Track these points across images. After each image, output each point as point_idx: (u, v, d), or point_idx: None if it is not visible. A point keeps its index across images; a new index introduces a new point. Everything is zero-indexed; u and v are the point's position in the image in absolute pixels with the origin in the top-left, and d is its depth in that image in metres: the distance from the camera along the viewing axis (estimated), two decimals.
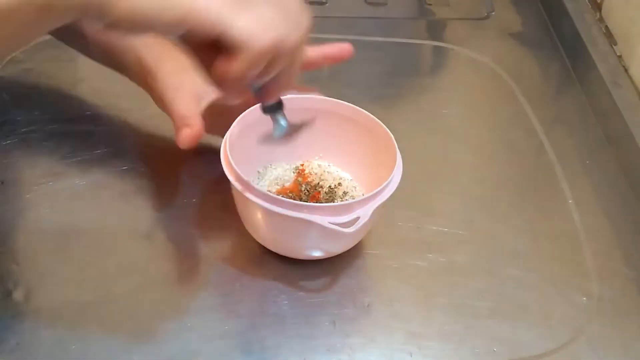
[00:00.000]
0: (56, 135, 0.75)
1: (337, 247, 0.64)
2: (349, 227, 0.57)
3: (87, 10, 0.43)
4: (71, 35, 0.75)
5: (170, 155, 0.71)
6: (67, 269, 0.63)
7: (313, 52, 0.65)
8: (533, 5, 1.05)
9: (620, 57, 0.90)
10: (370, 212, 0.58)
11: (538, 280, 0.67)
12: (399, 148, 0.64)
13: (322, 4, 1.01)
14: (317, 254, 0.64)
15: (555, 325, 0.63)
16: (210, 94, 0.64)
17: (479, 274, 0.67)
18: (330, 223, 0.57)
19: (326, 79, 0.91)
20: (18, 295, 0.61)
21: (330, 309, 0.63)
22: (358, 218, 0.58)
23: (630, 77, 0.86)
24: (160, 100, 0.68)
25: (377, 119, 0.66)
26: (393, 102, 0.88)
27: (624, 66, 0.88)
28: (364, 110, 0.67)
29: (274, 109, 0.55)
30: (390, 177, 0.61)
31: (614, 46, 0.91)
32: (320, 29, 0.98)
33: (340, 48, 0.66)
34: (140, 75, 0.69)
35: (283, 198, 0.57)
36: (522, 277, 0.67)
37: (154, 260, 0.65)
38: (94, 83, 0.79)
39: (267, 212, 0.58)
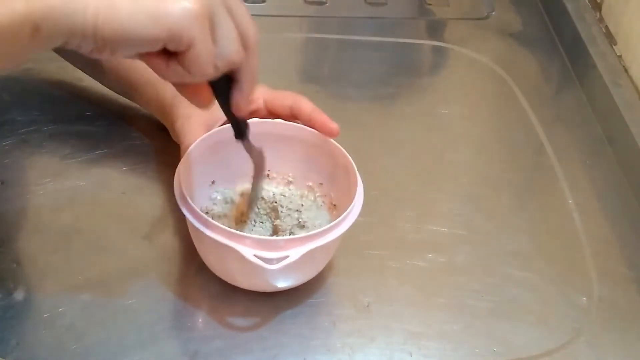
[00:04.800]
0: (56, 135, 0.75)
1: (262, 284, 0.61)
2: (275, 264, 0.54)
3: (73, 34, 0.44)
4: (90, 66, 0.77)
5: (170, 155, 0.70)
6: (67, 269, 0.63)
7: (307, 107, 0.65)
8: (533, 5, 1.05)
9: (620, 57, 0.90)
10: (300, 254, 0.55)
11: (538, 280, 0.67)
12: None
13: (322, 4, 1.01)
14: (243, 285, 0.62)
15: (555, 325, 0.63)
16: (219, 121, 0.64)
17: (479, 274, 0.67)
18: (254, 256, 0.54)
19: (326, 79, 0.91)
20: (18, 295, 0.61)
21: (330, 309, 0.63)
22: (287, 256, 0.55)
23: (630, 77, 0.86)
24: (173, 130, 0.69)
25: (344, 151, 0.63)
26: (393, 102, 0.88)
27: (624, 66, 0.88)
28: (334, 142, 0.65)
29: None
30: (338, 218, 0.57)
31: (614, 46, 0.91)
32: (320, 29, 0.99)
33: (329, 128, 0.64)
34: (160, 110, 0.71)
35: (214, 222, 0.56)
36: (522, 277, 0.67)
37: (153, 260, 0.65)
38: (94, 83, 0.79)
39: (198, 233, 0.57)
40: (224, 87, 0.51)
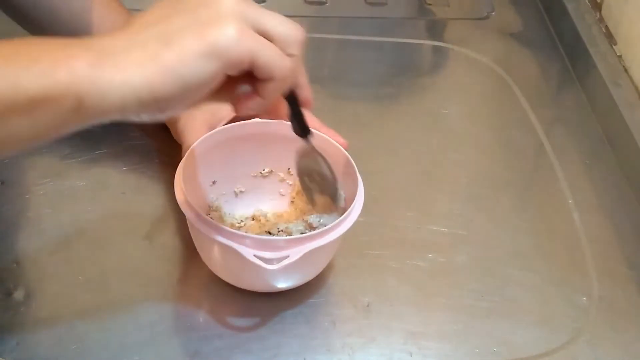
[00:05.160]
0: None
1: (262, 284, 0.61)
2: (275, 264, 0.54)
3: (127, 104, 0.42)
4: None
5: (170, 155, 0.71)
6: (67, 269, 0.63)
7: (313, 122, 0.65)
8: (533, 5, 1.05)
9: (620, 57, 0.90)
10: (300, 255, 0.55)
11: (538, 280, 0.67)
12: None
13: (322, 4, 1.01)
14: (243, 285, 0.62)
15: (555, 325, 0.63)
16: (222, 121, 0.64)
17: (478, 274, 0.67)
18: (254, 256, 0.54)
19: (327, 79, 0.91)
20: (18, 295, 0.61)
21: (330, 309, 0.63)
22: (286, 257, 0.55)
23: (630, 77, 0.86)
24: (174, 130, 0.69)
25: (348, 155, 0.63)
26: (393, 102, 0.88)
27: (624, 66, 0.88)
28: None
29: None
30: (337, 220, 0.57)
31: (614, 46, 0.91)
32: (320, 29, 0.99)
33: (338, 142, 0.64)
34: None
35: (214, 222, 0.56)
36: (522, 277, 0.67)
37: (153, 260, 0.65)
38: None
39: (198, 233, 0.57)
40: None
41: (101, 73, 0.41)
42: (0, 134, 0.42)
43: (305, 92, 0.53)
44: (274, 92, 0.47)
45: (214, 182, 0.66)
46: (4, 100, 0.40)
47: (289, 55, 0.47)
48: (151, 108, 0.43)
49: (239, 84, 0.47)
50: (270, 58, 0.45)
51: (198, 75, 0.43)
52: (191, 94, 0.44)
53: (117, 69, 0.42)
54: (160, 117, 0.44)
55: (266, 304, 0.62)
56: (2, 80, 0.41)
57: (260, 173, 0.67)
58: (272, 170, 0.67)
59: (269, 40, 0.45)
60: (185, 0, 0.45)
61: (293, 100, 0.53)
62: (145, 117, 0.44)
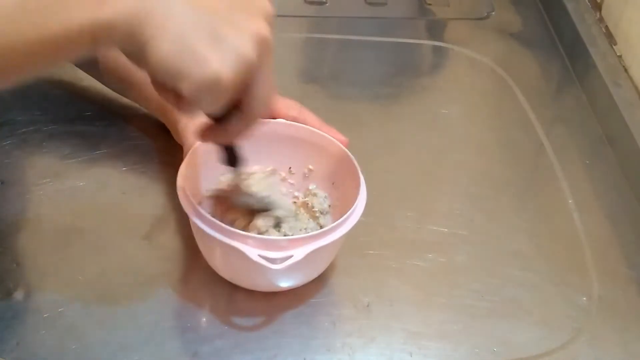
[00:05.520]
0: (56, 135, 0.75)
1: (265, 283, 0.61)
2: (279, 264, 0.54)
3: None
4: (90, 66, 0.77)
5: (170, 155, 0.71)
6: (67, 269, 0.63)
7: (313, 121, 0.65)
8: (533, 5, 1.05)
9: (620, 57, 0.90)
10: (304, 254, 0.55)
11: (538, 280, 0.67)
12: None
13: (322, 4, 1.01)
14: (246, 285, 0.62)
15: (555, 325, 0.63)
16: None
17: (479, 274, 0.67)
18: (259, 256, 0.54)
19: (326, 78, 0.91)
20: (18, 295, 0.61)
21: (330, 309, 0.63)
22: (291, 256, 0.55)
23: (630, 77, 0.86)
24: (175, 131, 0.69)
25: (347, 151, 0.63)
26: (393, 102, 0.88)
27: (624, 66, 0.88)
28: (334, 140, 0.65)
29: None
30: (340, 219, 0.58)
31: (614, 46, 0.91)
32: (320, 29, 0.99)
33: (339, 140, 0.64)
34: (161, 110, 0.71)
35: (218, 221, 0.55)
36: (522, 277, 0.67)
37: (153, 260, 0.65)
38: (94, 83, 0.79)
39: (202, 233, 0.57)
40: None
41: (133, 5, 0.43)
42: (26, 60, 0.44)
43: (241, 126, 0.51)
44: (242, 126, 0.49)
45: (215, 183, 0.66)
46: (60, 34, 0.43)
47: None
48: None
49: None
50: (263, 97, 0.47)
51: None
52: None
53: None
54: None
55: (266, 304, 0.62)
56: (55, 16, 0.42)
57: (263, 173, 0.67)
58: (274, 170, 0.67)
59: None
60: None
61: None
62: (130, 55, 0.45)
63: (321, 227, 0.64)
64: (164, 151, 0.73)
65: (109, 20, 0.43)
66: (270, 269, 0.54)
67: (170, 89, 0.46)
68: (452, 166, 0.79)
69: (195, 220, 0.56)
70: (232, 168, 0.57)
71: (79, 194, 0.70)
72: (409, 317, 0.63)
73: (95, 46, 0.44)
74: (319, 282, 0.64)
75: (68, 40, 0.43)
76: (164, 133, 0.73)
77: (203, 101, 0.46)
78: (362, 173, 0.61)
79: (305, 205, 0.66)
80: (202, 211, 0.56)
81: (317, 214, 0.65)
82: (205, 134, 0.52)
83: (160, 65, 0.44)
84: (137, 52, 0.44)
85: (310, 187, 0.67)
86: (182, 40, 0.43)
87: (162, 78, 0.45)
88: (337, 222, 0.57)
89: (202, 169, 0.63)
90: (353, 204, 0.58)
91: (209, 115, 0.51)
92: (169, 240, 0.66)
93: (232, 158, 0.56)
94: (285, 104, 0.66)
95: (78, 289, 0.62)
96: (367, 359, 0.60)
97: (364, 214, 0.59)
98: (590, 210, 0.75)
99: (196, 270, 0.63)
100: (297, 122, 0.65)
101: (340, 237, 0.57)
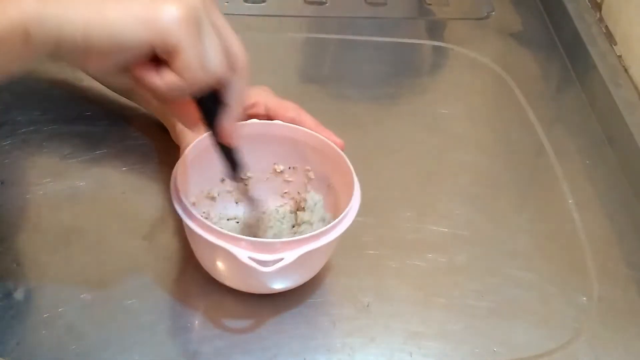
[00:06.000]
0: (56, 135, 0.75)
1: (257, 286, 0.61)
2: (270, 266, 0.54)
3: (63, 40, 0.44)
4: None
5: (170, 155, 0.70)
6: (67, 269, 0.63)
7: (310, 122, 0.65)
8: (533, 5, 1.05)
9: (620, 57, 0.90)
10: (295, 257, 0.55)
11: (538, 280, 0.67)
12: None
13: (322, 4, 1.01)
14: (239, 287, 0.62)
15: (555, 325, 0.63)
16: None
17: (479, 274, 0.67)
18: (249, 258, 0.54)
19: (326, 79, 0.91)
20: (18, 295, 0.61)
21: (329, 309, 0.63)
22: (281, 259, 0.54)
23: (630, 77, 0.86)
24: (173, 132, 0.69)
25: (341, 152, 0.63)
26: (393, 102, 0.88)
27: (624, 66, 0.88)
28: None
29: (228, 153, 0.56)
30: (334, 221, 0.57)
31: (614, 46, 0.91)
32: (320, 29, 0.99)
33: (334, 142, 0.64)
34: (161, 110, 0.71)
35: (209, 223, 0.55)
36: (522, 277, 0.67)
37: (153, 260, 0.65)
38: (94, 83, 0.79)
39: (193, 234, 0.56)
40: (211, 109, 0.51)
41: (46, 7, 0.44)
42: None
43: (227, 121, 0.52)
44: (173, 87, 0.47)
45: (210, 183, 0.66)
46: None
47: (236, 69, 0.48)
48: (79, 54, 0.45)
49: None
50: (191, 61, 0.46)
51: (129, 38, 0.44)
52: (118, 54, 0.45)
53: (61, 5, 0.44)
54: (89, 65, 0.46)
55: (266, 304, 0.62)
56: None
57: (260, 173, 0.67)
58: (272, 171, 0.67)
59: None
60: None
61: (210, 115, 0.52)
62: (75, 61, 0.46)
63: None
64: (164, 151, 0.73)
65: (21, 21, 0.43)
66: (261, 271, 0.54)
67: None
68: (452, 166, 0.79)
69: (186, 221, 0.56)
70: (233, 175, 0.57)
71: (79, 194, 0.70)
72: (409, 317, 0.63)
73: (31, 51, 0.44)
74: (318, 282, 0.64)
75: None
76: (164, 133, 0.73)
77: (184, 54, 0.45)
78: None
79: (298, 207, 0.66)
80: (194, 212, 0.56)
81: (306, 209, 0.65)
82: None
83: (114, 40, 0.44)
84: (76, 48, 0.44)
85: (306, 195, 0.67)
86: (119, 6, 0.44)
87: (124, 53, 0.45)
88: (329, 225, 0.57)
89: (195, 170, 0.62)
90: (347, 207, 0.58)
91: (202, 118, 0.51)
92: (169, 240, 0.66)
93: (233, 164, 0.56)
94: (283, 105, 0.66)
95: (78, 289, 0.62)
96: (367, 359, 0.60)
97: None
98: (590, 210, 0.75)
99: (196, 270, 0.63)
100: (294, 123, 0.65)
101: (333, 240, 0.57)
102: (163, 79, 0.47)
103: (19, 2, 0.44)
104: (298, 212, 0.66)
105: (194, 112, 0.51)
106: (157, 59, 0.46)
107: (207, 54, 0.46)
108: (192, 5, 0.45)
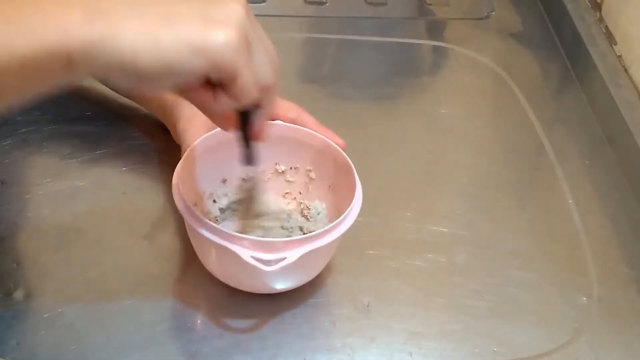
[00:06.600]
0: (56, 135, 0.75)
1: (259, 285, 0.61)
2: (273, 265, 0.54)
3: (111, 68, 0.42)
4: None
5: (170, 155, 0.71)
6: (67, 269, 0.63)
7: (311, 123, 0.65)
8: (533, 5, 1.05)
9: (620, 57, 0.90)
10: (298, 256, 0.55)
11: (538, 280, 0.67)
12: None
13: (322, 4, 1.01)
14: (241, 286, 0.62)
15: (555, 325, 0.63)
16: None
17: (479, 274, 0.67)
18: (252, 257, 0.54)
19: (326, 79, 0.91)
20: (18, 295, 0.61)
21: (330, 309, 0.63)
22: (284, 258, 0.54)
23: (630, 77, 0.86)
24: (174, 132, 0.69)
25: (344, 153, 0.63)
26: (393, 102, 0.88)
27: (624, 66, 0.88)
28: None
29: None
30: (336, 220, 0.57)
31: (614, 46, 0.91)
32: (320, 29, 0.99)
33: (336, 143, 0.64)
34: (161, 110, 0.71)
35: (211, 222, 0.55)
36: (522, 277, 0.67)
37: (153, 260, 0.65)
38: (94, 83, 0.79)
39: (195, 234, 0.57)
40: (248, 112, 0.52)
41: (92, 31, 0.41)
42: None
43: (262, 122, 0.53)
44: (227, 105, 0.47)
45: (212, 182, 0.66)
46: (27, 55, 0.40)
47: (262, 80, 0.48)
48: (129, 78, 0.43)
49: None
50: (247, 83, 0.45)
51: (182, 65, 0.43)
52: (169, 80, 0.44)
53: (109, 30, 0.42)
54: (135, 88, 0.45)
55: (266, 304, 0.62)
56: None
57: (262, 173, 0.67)
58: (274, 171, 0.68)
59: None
60: None
61: (246, 127, 0.53)
62: (122, 85, 0.44)
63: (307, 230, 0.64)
64: (164, 151, 0.73)
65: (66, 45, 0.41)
66: (264, 270, 0.54)
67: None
68: (452, 166, 0.79)
69: (188, 220, 0.56)
70: (250, 167, 0.57)
71: (79, 194, 0.70)
72: (409, 317, 0.63)
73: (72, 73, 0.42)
74: (319, 282, 0.64)
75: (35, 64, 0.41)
76: (164, 133, 0.73)
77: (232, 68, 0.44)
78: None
79: (299, 208, 0.66)
80: (196, 211, 0.56)
81: (310, 219, 0.66)
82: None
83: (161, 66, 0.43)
84: (120, 68, 0.42)
85: (307, 202, 0.67)
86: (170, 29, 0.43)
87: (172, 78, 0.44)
88: (331, 225, 0.57)
89: (198, 169, 0.63)
90: (348, 207, 0.58)
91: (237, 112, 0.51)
92: (169, 240, 0.66)
93: (250, 156, 0.56)
94: (284, 106, 0.66)
95: (78, 289, 0.62)
96: (367, 359, 0.60)
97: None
98: (590, 210, 0.75)
99: (196, 270, 0.63)
100: (296, 124, 0.65)
101: (335, 240, 0.57)
102: (219, 103, 0.47)
103: (61, 20, 0.41)
104: (302, 220, 0.66)
105: (232, 116, 0.51)
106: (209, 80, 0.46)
107: (259, 73, 0.46)
108: (242, 26, 0.44)
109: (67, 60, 0.41)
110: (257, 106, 0.50)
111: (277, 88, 0.50)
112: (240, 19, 0.44)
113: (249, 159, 0.56)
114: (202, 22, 0.43)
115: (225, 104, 0.47)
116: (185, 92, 0.47)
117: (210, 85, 0.46)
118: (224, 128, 0.53)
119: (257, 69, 0.46)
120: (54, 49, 0.41)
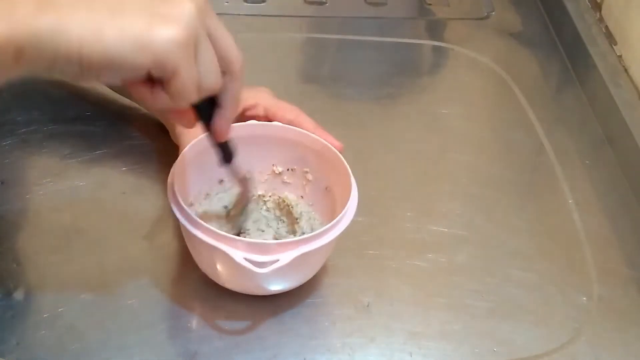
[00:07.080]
0: (56, 135, 0.75)
1: (253, 287, 0.60)
2: (266, 267, 0.54)
3: (57, 59, 0.42)
4: None
5: (170, 156, 0.70)
6: (67, 269, 0.63)
7: (309, 124, 0.65)
8: (533, 5, 1.05)
9: (620, 57, 0.90)
10: (291, 258, 0.54)
11: (538, 280, 0.67)
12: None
13: (322, 4, 1.01)
14: (235, 288, 0.61)
15: (555, 325, 0.63)
16: None
17: (479, 274, 0.67)
18: (244, 259, 0.54)
19: (326, 79, 0.91)
20: (18, 295, 0.61)
21: (329, 309, 0.63)
22: (277, 260, 0.54)
23: (630, 77, 0.86)
24: (173, 132, 0.69)
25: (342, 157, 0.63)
26: (393, 102, 0.88)
27: (624, 66, 0.88)
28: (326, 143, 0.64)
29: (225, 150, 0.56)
30: (329, 223, 0.57)
31: (614, 46, 0.91)
32: (320, 29, 0.99)
33: (333, 145, 0.64)
34: (160, 110, 0.71)
35: (205, 223, 0.55)
36: (522, 277, 0.67)
37: (153, 260, 0.65)
38: (94, 83, 0.79)
39: (189, 235, 0.56)
40: (207, 110, 0.51)
41: (41, 21, 0.41)
42: None
43: (222, 121, 0.52)
44: (164, 104, 0.47)
45: (208, 184, 0.66)
46: None
47: (228, 71, 0.47)
48: (74, 69, 0.43)
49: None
50: (185, 84, 0.45)
51: (125, 59, 0.43)
52: (113, 73, 0.44)
53: (58, 20, 0.42)
54: (82, 81, 0.45)
55: (266, 305, 0.62)
56: None
57: (259, 174, 0.67)
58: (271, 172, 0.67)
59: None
60: None
61: (206, 115, 0.52)
62: (69, 77, 0.44)
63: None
64: (164, 151, 0.73)
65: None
66: (257, 272, 0.54)
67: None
68: (452, 166, 0.79)
69: (182, 221, 0.56)
70: (227, 165, 0.57)
71: (79, 194, 0.70)
72: (409, 317, 0.63)
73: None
74: (318, 282, 0.64)
75: None
76: (163, 133, 0.73)
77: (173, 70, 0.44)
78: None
79: (288, 211, 0.66)
80: (190, 212, 0.56)
81: (298, 221, 0.66)
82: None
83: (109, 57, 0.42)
84: (68, 64, 0.42)
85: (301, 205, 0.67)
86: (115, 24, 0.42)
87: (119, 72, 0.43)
88: (326, 227, 0.57)
89: (195, 169, 0.62)
90: (344, 209, 0.58)
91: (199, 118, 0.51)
92: (169, 240, 0.66)
93: (226, 155, 0.56)
94: (281, 107, 0.66)
95: (78, 289, 0.62)
96: (367, 359, 0.60)
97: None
98: (590, 210, 0.75)
99: (196, 270, 0.63)
100: (293, 125, 0.65)
101: (329, 242, 0.57)
102: (155, 99, 0.46)
103: (12, 11, 0.41)
104: (293, 222, 0.66)
105: (190, 113, 0.51)
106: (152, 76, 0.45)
107: (202, 74, 0.46)
108: (190, 24, 0.44)
109: (17, 51, 0.42)
110: (213, 102, 0.50)
111: (239, 89, 0.50)
112: (189, 18, 0.44)
113: (222, 158, 0.56)
114: (149, 17, 0.43)
115: (162, 102, 0.46)
116: (125, 85, 0.47)
117: (151, 81, 0.46)
118: (185, 126, 0.52)
119: (202, 71, 0.46)
120: (3, 39, 0.41)
